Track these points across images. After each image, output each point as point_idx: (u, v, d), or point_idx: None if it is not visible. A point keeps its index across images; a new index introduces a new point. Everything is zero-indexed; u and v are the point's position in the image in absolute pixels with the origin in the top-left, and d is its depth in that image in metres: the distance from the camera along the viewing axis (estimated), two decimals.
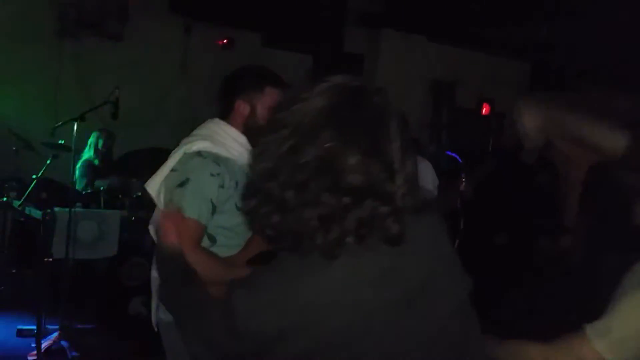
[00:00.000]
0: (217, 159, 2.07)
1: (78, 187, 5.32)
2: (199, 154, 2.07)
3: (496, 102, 8.68)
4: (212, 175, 2.02)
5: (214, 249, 2.10)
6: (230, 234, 2.13)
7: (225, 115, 2.21)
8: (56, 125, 4.52)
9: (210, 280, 2.02)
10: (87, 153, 5.65)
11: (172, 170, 2.09)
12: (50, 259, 4.20)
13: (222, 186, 2.04)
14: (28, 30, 6.14)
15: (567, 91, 8.27)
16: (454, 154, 3.43)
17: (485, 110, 8.63)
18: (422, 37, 8.01)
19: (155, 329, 2.24)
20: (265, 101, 2.18)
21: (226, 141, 2.14)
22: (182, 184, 2.01)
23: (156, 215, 2.20)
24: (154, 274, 2.19)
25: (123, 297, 4.58)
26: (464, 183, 3.21)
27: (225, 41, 7.09)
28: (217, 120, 2.21)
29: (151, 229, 2.21)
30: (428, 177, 3.71)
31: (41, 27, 6.25)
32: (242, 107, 2.17)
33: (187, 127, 2.27)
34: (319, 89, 1.14)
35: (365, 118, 1.12)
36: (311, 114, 1.11)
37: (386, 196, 1.09)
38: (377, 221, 1.09)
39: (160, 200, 2.12)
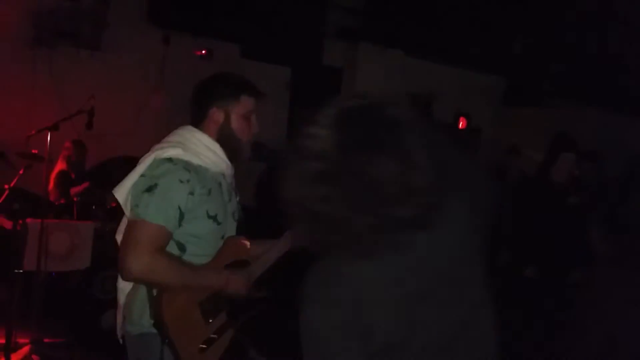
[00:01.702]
0: (188, 166, 2.03)
1: (52, 198, 5.24)
2: (169, 160, 2.03)
3: (472, 117, 8.79)
4: (181, 181, 1.98)
5: (184, 258, 2.06)
6: (200, 242, 2.09)
7: (198, 122, 2.17)
8: (29, 134, 4.46)
9: (174, 285, 2.01)
10: (61, 165, 5.58)
11: (141, 175, 2.04)
12: (21, 271, 4.12)
13: (191, 193, 2.00)
14: (2, 38, 6.05)
15: (540, 106, 8.44)
16: None
17: (461, 124, 8.73)
18: (399, 51, 8.09)
19: (121, 342, 2.19)
20: (240, 110, 2.16)
21: (198, 148, 2.10)
22: (149, 189, 1.97)
23: (123, 225, 2.15)
24: (120, 285, 2.15)
25: (96, 310, 4.50)
26: None
27: (203, 52, 7.07)
28: (189, 127, 2.17)
29: (118, 239, 2.16)
30: None
31: (16, 35, 6.16)
32: (216, 115, 2.15)
33: (164, 137, 2.23)
34: (335, 111, 1.21)
35: (387, 132, 1.18)
36: (333, 137, 1.17)
37: (414, 198, 1.17)
38: (409, 222, 1.18)
39: (127, 207, 2.07)
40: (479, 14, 7.69)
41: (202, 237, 2.09)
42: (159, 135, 2.23)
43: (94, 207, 5.06)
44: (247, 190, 5.54)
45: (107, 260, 4.78)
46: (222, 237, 2.17)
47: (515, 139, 7.39)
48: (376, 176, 1.15)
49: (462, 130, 8.75)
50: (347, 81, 8.09)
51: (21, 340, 4.24)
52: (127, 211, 2.07)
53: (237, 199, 2.33)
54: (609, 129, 7.44)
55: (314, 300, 1.25)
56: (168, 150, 2.06)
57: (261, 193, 7.06)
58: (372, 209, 1.16)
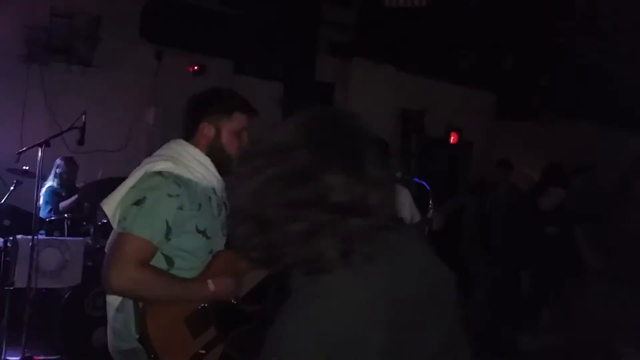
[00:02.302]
0: (178, 180, 2.03)
1: (42, 214, 5.21)
2: (159, 173, 2.03)
3: (464, 131, 8.83)
4: (170, 196, 1.98)
5: (172, 272, 2.06)
6: (189, 256, 2.08)
7: (189, 136, 2.18)
8: (20, 150, 4.45)
9: (157, 298, 1.99)
10: (51, 181, 5.56)
11: (131, 188, 2.05)
12: (12, 288, 4.09)
13: (180, 208, 2.00)
14: None
15: (531, 120, 8.50)
16: (422, 181, 3.48)
17: (453, 139, 8.76)
18: (391, 66, 8.14)
19: (113, 357, 2.18)
20: (231, 126, 2.17)
21: (189, 162, 2.11)
22: (138, 202, 1.97)
23: (112, 239, 2.16)
24: (109, 299, 2.14)
25: (87, 327, 4.46)
26: (431, 210, 3.26)
27: (196, 68, 7.08)
28: (180, 141, 2.18)
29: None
30: (406, 204, 3.76)
31: (8, 51, 6.16)
32: (207, 130, 2.15)
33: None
34: (297, 116, 1.20)
35: (344, 139, 1.16)
36: (289, 138, 1.16)
37: (367, 213, 1.14)
38: (360, 236, 1.13)
39: (115, 220, 2.06)
40: (469, 29, 7.76)
41: (190, 252, 2.08)
42: (151, 151, 2.23)
43: (84, 223, 5.04)
44: None
45: (98, 276, 4.75)
46: (211, 252, 2.17)
47: (507, 153, 7.43)
48: (332, 185, 1.12)
49: (453, 144, 8.80)
50: (340, 97, 8.12)
51: (12, 358, 4.20)
52: (115, 224, 2.07)
53: (227, 213, 2.33)
54: (599, 142, 7.49)
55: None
56: (159, 163, 2.07)
57: None
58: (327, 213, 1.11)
